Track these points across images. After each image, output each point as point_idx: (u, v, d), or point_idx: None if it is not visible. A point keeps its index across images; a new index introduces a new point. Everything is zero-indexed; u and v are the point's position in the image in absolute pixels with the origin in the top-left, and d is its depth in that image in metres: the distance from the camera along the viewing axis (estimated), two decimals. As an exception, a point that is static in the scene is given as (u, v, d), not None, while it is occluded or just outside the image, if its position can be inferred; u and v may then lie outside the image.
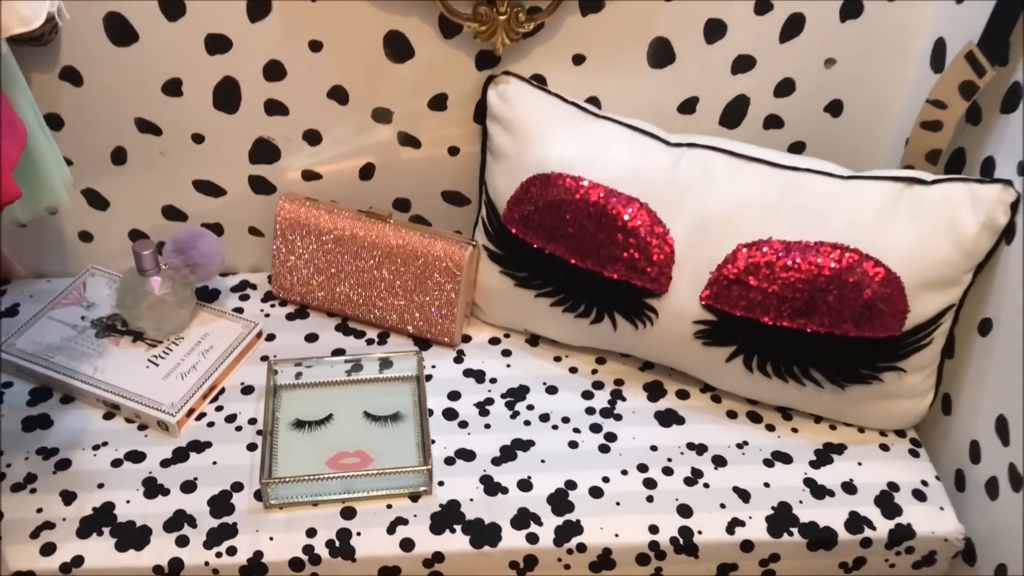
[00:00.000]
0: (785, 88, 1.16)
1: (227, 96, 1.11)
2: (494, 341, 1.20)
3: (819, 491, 1.04)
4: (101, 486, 1.00)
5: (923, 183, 1.01)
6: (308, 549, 0.96)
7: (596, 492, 1.02)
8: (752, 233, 1.02)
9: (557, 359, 1.18)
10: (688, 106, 1.17)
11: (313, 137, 1.16)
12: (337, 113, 1.13)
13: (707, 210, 1.03)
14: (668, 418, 1.11)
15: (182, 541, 0.96)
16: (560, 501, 1.01)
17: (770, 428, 1.11)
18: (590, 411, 1.11)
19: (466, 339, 1.20)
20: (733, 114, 1.18)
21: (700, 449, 1.08)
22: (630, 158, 1.06)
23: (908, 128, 1.11)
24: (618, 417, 1.11)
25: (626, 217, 1.04)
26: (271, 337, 1.18)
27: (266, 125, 1.14)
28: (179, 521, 0.97)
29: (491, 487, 1.02)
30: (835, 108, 1.19)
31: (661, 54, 1.12)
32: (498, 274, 1.15)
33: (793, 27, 1.11)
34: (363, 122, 1.15)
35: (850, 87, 1.17)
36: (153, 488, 1.00)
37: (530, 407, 1.11)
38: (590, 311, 1.10)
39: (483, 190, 1.15)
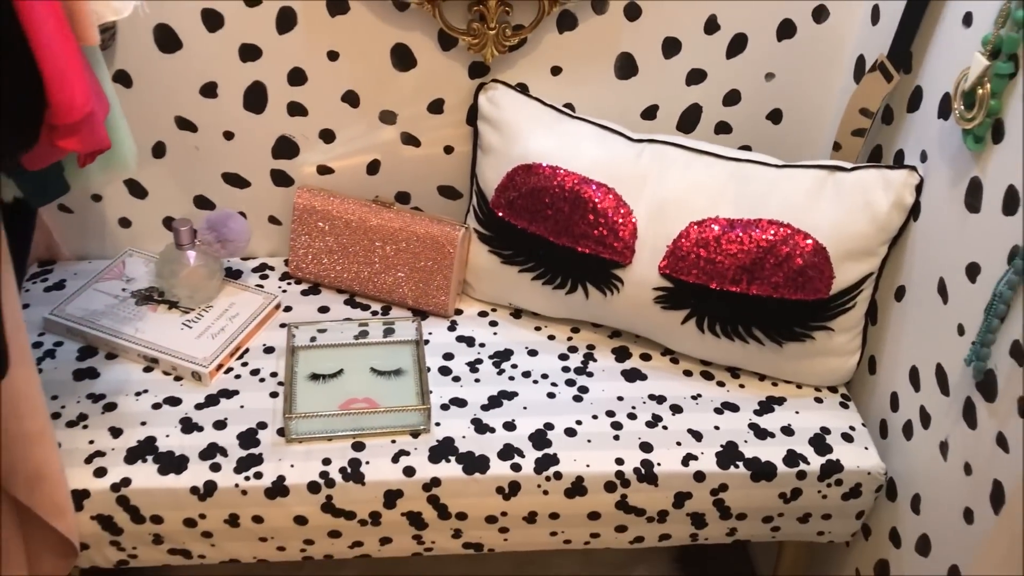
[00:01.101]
0: (732, 98, 1.36)
1: (255, 98, 1.29)
2: (483, 314, 1.37)
3: (761, 433, 1.21)
4: (144, 424, 1.16)
5: (844, 170, 1.20)
6: (324, 475, 1.12)
7: (570, 432, 1.19)
8: (702, 213, 1.21)
9: (537, 328, 1.35)
10: (650, 113, 1.36)
11: (328, 136, 1.34)
12: (349, 115, 1.32)
13: (664, 194, 1.22)
14: (633, 375, 1.29)
15: (215, 467, 1.12)
16: (539, 439, 1.18)
17: (720, 384, 1.28)
18: (565, 369, 1.29)
19: (458, 312, 1.37)
20: (688, 120, 1.37)
21: (660, 399, 1.25)
22: (599, 151, 1.25)
23: (836, 130, 1.31)
24: (590, 374, 1.28)
25: (596, 200, 1.23)
26: (288, 308, 1.35)
27: (288, 125, 1.32)
28: (212, 451, 1.13)
29: (480, 427, 1.19)
30: (776, 116, 1.39)
31: (626, 67, 1.32)
32: (487, 253, 1.33)
33: (738, 45, 1.32)
34: (371, 123, 1.33)
35: (788, 97, 1.37)
36: (189, 426, 1.16)
37: (514, 366, 1.29)
38: (565, 283, 1.28)
39: (474, 182, 1.33)
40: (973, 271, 1.05)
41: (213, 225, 1.28)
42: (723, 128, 1.39)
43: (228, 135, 1.32)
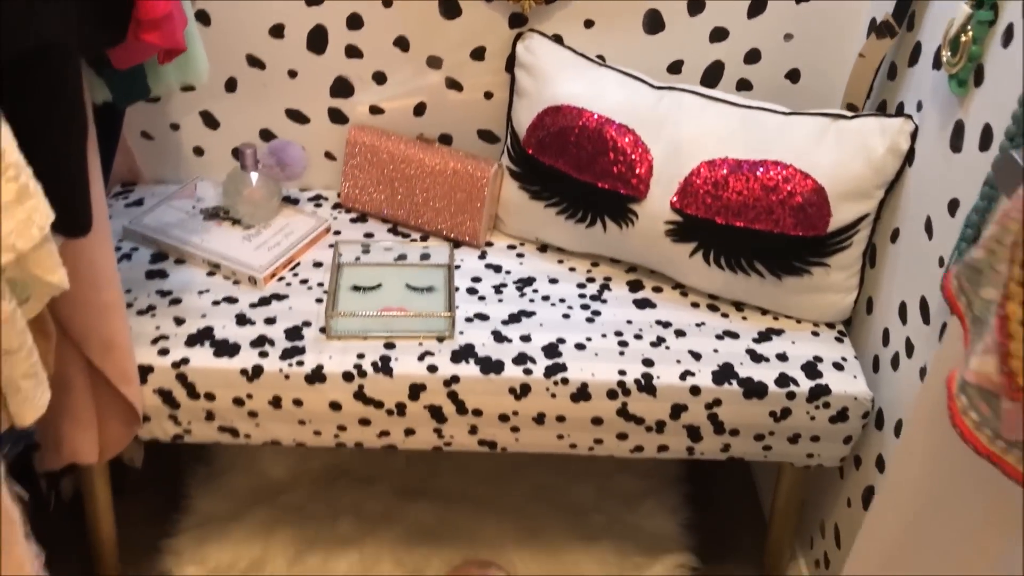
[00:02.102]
0: (753, 56, 1.47)
1: (317, 40, 1.44)
2: (511, 247, 1.50)
3: (757, 358, 1.32)
4: (204, 316, 1.32)
5: (845, 118, 1.30)
6: (357, 367, 1.26)
7: (580, 346, 1.31)
8: (713, 153, 1.32)
9: (560, 261, 1.48)
10: (675, 67, 1.48)
11: (380, 78, 1.49)
12: (400, 59, 1.46)
13: (680, 136, 1.34)
14: (643, 304, 1.40)
15: (263, 354, 1.27)
16: (551, 350, 1.30)
17: (724, 315, 1.39)
18: (582, 296, 1.41)
19: (489, 244, 1.50)
20: (711, 76, 1.48)
21: (666, 324, 1.36)
22: (622, 95, 1.37)
23: (854, 97, 1.41)
24: (604, 301, 1.40)
25: (617, 140, 1.35)
26: (337, 232, 1.50)
27: (345, 66, 1.47)
28: (261, 341, 1.29)
29: (499, 338, 1.32)
30: (794, 75, 1.49)
31: (654, 23, 1.44)
32: (517, 190, 1.46)
33: (759, 5, 1.42)
34: (419, 67, 1.48)
35: (805, 57, 1.47)
36: (243, 320, 1.32)
37: (535, 291, 1.41)
38: (586, 216, 1.40)
39: (509, 124, 1.46)
40: (954, 206, 1.14)
41: (274, 151, 1.44)
42: (744, 85, 1.49)
43: (292, 73, 1.48)
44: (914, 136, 1.26)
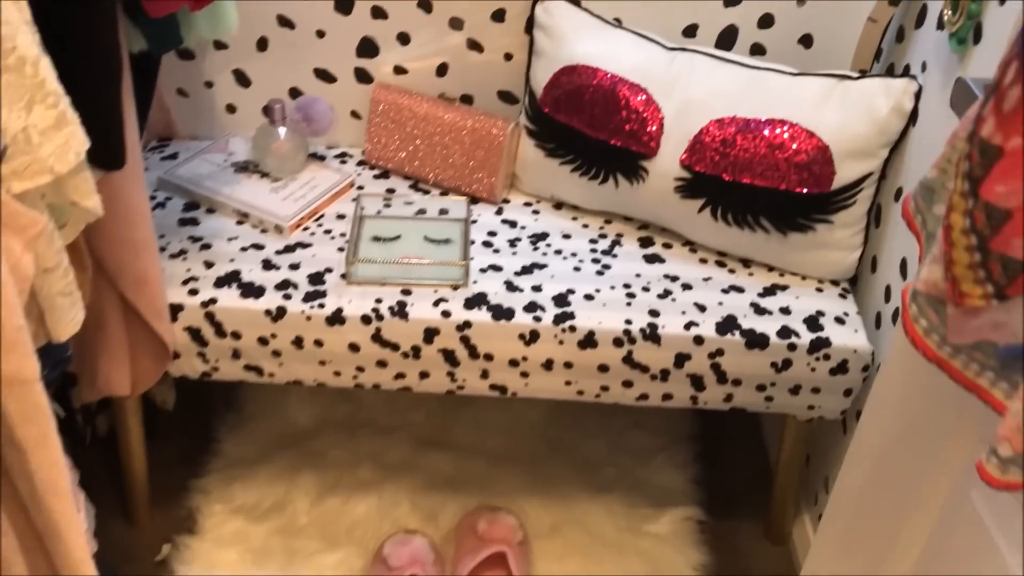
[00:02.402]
0: (766, 21, 1.50)
1: (345, 1, 1.50)
2: (527, 204, 1.56)
3: (761, 311, 1.36)
4: (232, 260, 1.39)
5: (851, 79, 1.34)
6: (375, 310, 1.33)
7: (589, 297, 1.36)
8: (722, 112, 1.36)
9: (574, 218, 1.53)
10: (690, 31, 1.52)
11: (404, 39, 1.54)
12: (423, 20, 1.52)
13: (690, 95, 1.38)
14: (652, 259, 1.45)
15: (286, 297, 1.34)
16: (561, 300, 1.36)
17: (731, 271, 1.43)
18: (593, 250, 1.46)
19: (506, 201, 1.56)
20: (726, 40, 1.52)
21: (673, 278, 1.41)
22: (636, 56, 1.42)
23: (862, 60, 1.44)
24: (614, 256, 1.45)
25: (629, 98, 1.39)
26: (360, 187, 1.56)
27: (371, 27, 1.53)
28: (285, 285, 1.35)
29: (511, 287, 1.37)
30: (807, 40, 1.52)
31: (669, -13, 1.48)
32: (533, 148, 1.51)
33: (772, -29, 1.46)
34: (441, 29, 1.53)
35: (818, 23, 1.50)
36: (268, 265, 1.39)
37: (548, 245, 1.47)
38: (599, 174, 1.45)
39: (527, 84, 1.52)
40: (951, 163, 1.18)
41: (301, 106, 1.50)
42: (758, 50, 1.53)
43: (320, 34, 1.54)
44: (918, 96, 1.29)
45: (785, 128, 1.33)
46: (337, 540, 1.58)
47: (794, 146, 1.32)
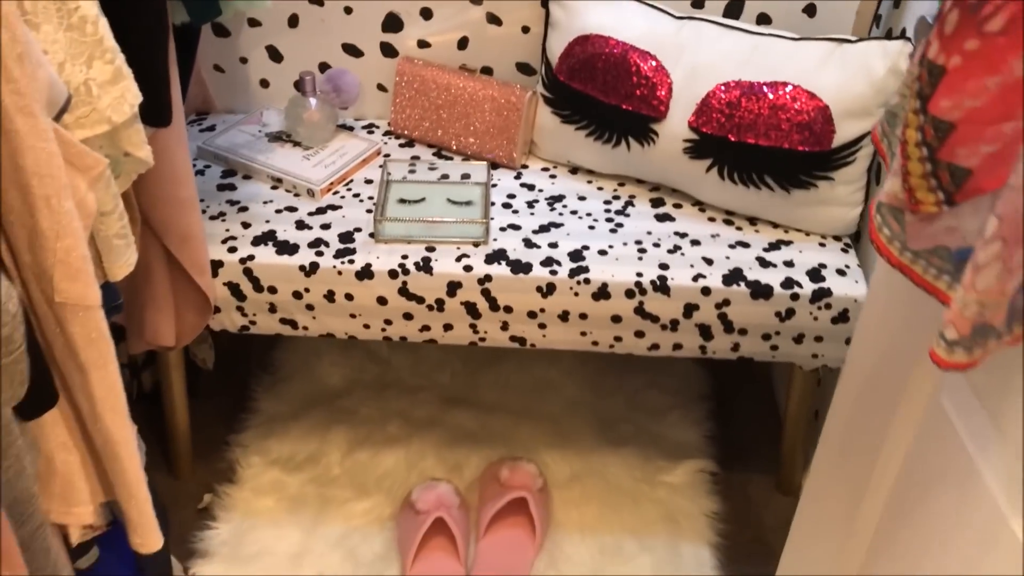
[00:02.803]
0: (772, -9, 1.58)
1: (370, -21, 1.60)
2: (545, 169, 1.64)
3: (766, 264, 1.43)
4: (267, 221, 1.49)
5: (850, 42, 1.41)
6: (401, 265, 1.42)
7: (602, 252, 1.45)
8: (728, 76, 1.44)
9: (589, 181, 1.61)
10: (699, 1, 1.59)
11: (427, 13, 1.63)
12: (445, -5, 1.61)
13: (698, 61, 1.46)
14: (663, 218, 1.53)
15: (319, 253, 1.43)
16: (576, 255, 1.44)
17: (739, 228, 1.51)
18: (607, 211, 1.54)
19: (524, 167, 1.64)
20: (732, 10, 1.59)
21: (683, 235, 1.49)
22: (645, 25, 1.50)
23: (862, 27, 1.51)
24: (627, 215, 1.53)
25: (640, 65, 1.47)
26: (387, 155, 1.66)
27: (395, 3, 1.62)
28: (317, 243, 1.45)
29: (529, 244, 1.46)
30: (810, 10, 1.59)
31: (678, -40, 1.55)
32: (550, 115, 1.59)
33: (776, -57, 1.53)
34: (462, 4, 1.62)
35: (821, -8, 1.57)
36: (302, 225, 1.48)
37: (564, 206, 1.55)
38: (612, 137, 1.53)
39: (544, 55, 1.60)
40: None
41: (331, 78, 1.60)
42: (764, 19, 1.60)
43: (347, 10, 1.63)
44: (912, 57, 1.36)
45: (787, 90, 1.40)
46: (367, 489, 1.68)
47: (796, 107, 1.39)
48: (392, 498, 1.66)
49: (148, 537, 1.10)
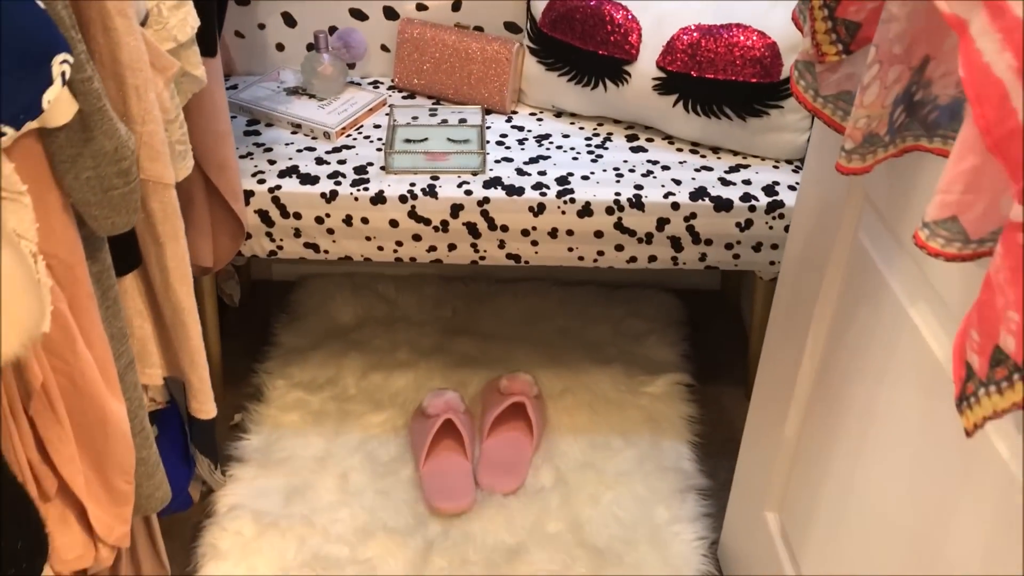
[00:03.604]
0: (727, -48, 1.80)
1: (374, -51, 1.81)
2: (532, 114, 1.85)
3: (727, 183, 1.65)
4: (290, 159, 1.69)
5: (794, -13, 1.63)
6: (410, 191, 1.62)
7: (585, 177, 1.66)
8: (690, 21, 1.65)
9: (572, 123, 1.82)
10: (663, -37, 1.81)
11: (424, -21, 1.85)
12: (440, -37, 1.83)
13: (663, 9, 1.67)
14: (637, 149, 1.74)
15: (337, 183, 1.63)
16: (562, 180, 1.65)
17: (703, 156, 1.72)
18: (588, 145, 1.75)
19: (514, 113, 1.85)
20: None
21: (654, 163, 1.70)
22: (617, -20, 1.72)
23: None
24: (606, 148, 1.74)
25: (613, 15, 1.69)
26: (392, 105, 1.86)
27: (396, -30, 1.84)
28: (335, 175, 1.65)
29: (520, 172, 1.67)
30: (762, -33, 1.81)
31: (644, -74, 1.77)
32: (535, 64, 1.80)
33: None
34: (456, -30, 1.84)
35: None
36: (320, 161, 1.69)
37: (551, 142, 1.76)
38: (590, 80, 1.75)
39: (528, 12, 1.81)
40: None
41: (341, 35, 1.80)
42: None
43: (354, -22, 1.85)
44: (847, -3, 1.58)
45: (741, 31, 1.62)
46: (382, 404, 1.87)
47: (748, 44, 1.61)
48: (404, 411, 1.86)
49: (206, 404, 1.29)
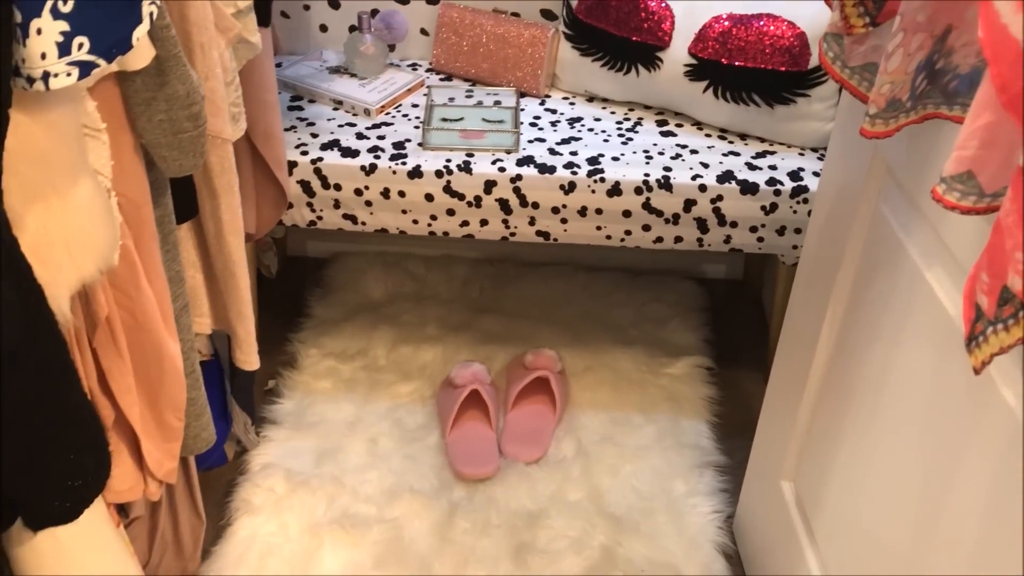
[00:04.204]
0: (759, -54, 1.85)
1: (417, -65, 1.88)
2: (565, 98, 1.91)
3: (753, 167, 1.70)
4: (332, 133, 1.76)
5: (824, -20, 1.68)
6: (446, 167, 1.68)
7: (615, 159, 1.71)
8: (721, 10, 1.71)
9: (603, 107, 1.88)
10: (697, -44, 1.87)
11: (465, -34, 1.91)
12: (480, -50, 1.89)
13: (695, -1, 1.73)
14: (667, 134, 1.80)
15: (376, 157, 1.70)
16: (593, 160, 1.70)
17: (731, 142, 1.78)
18: (619, 129, 1.81)
19: (547, 96, 1.91)
20: (726, -37, 1.87)
21: (683, 147, 1.75)
22: (652, -30, 1.77)
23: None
24: (636, 132, 1.80)
25: (648, 3, 1.75)
26: (430, 87, 1.93)
27: (438, -44, 1.90)
28: (375, 149, 1.71)
29: (553, 152, 1.73)
30: (793, -38, 1.86)
31: (679, -81, 1.83)
32: (570, 50, 1.86)
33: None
34: (495, -42, 1.90)
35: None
36: (360, 136, 1.75)
37: (583, 125, 1.82)
38: (623, 66, 1.80)
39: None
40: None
41: (383, 16, 1.87)
42: (753, -29, 1.87)
43: (397, -37, 1.91)
44: (876, -10, 1.63)
45: (771, 20, 1.67)
46: (410, 375, 1.94)
47: (778, 33, 1.66)
48: (432, 383, 1.92)
49: (250, 355, 1.35)
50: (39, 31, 0.70)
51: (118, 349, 1.01)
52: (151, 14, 0.79)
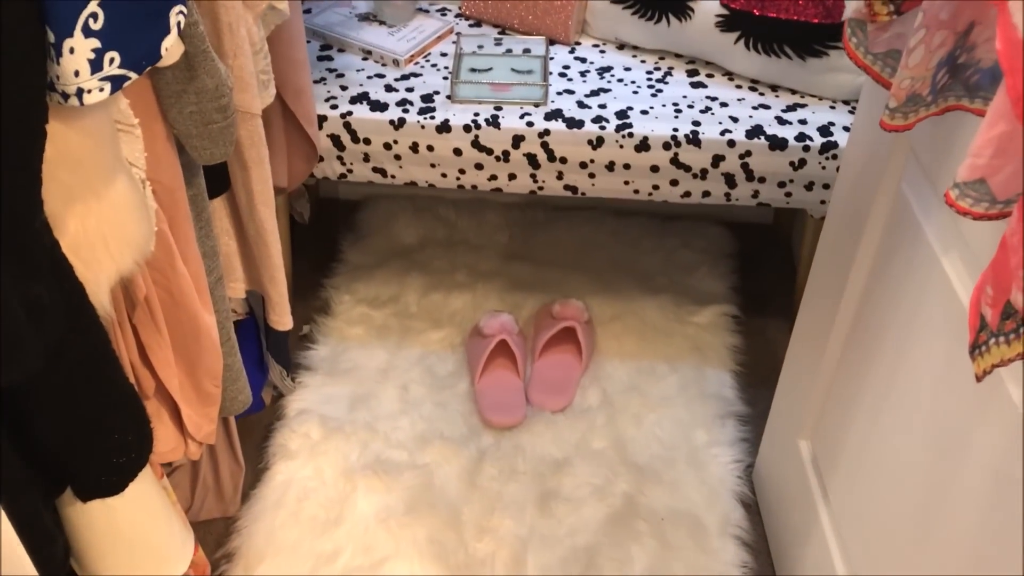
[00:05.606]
0: None
1: None
2: (595, 46, 1.89)
3: (783, 121, 1.69)
4: (361, 85, 1.77)
5: (862, -72, 1.64)
6: (474, 121, 1.69)
7: (644, 112, 1.71)
8: (754, -40, 1.68)
9: (634, 55, 1.86)
10: (732, -102, 1.82)
11: (495, -91, 1.88)
12: None
13: (729, -53, 1.70)
14: (697, 85, 1.78)
15: (405, 111, 1.71)
16: (622, 114, 1.70)
17: (761, 94, 1.76)
18: (649, 79, 1.80)
19: (577, 44, 1.90)
20: (762, -95, 1.82)
21: (713, 99, 1.74)
22: (685, -84, 1.74)
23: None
24: (666, 83, 1.79)
25: (679, -49, 1.72)
26: (459, 33, 1.92)
27: (467, -100, 1.87)
28: (403, 103, 1.72)
29: (581, 105, 1.72)
30: (832, -96, 1.81)
31: None
32: (600, -3, 1.84)
33: None
34: (526, -100, 1.86)
35: None
36: (389, 88, 1.76)
37: (612, 75, 1.81)
38: (654, 14, 1.78)
39: (596, -55, 1.84)
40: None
41: (412, -36, 1.86)
42: (790, -87, 1.82)
43: (426, -94, 1.89)
44: (915, -60, 1.59)
45: (805, -30, 1.64)
46: (441, 322, 1.98)
47: (812, -16, 1.63)
48: (462, 330, 1.96)
49: (283, 316, 1.40)
50: (72, 50, 0.72)
51: (156, 326, 1.06)
52: (179, 23, 0.81)
